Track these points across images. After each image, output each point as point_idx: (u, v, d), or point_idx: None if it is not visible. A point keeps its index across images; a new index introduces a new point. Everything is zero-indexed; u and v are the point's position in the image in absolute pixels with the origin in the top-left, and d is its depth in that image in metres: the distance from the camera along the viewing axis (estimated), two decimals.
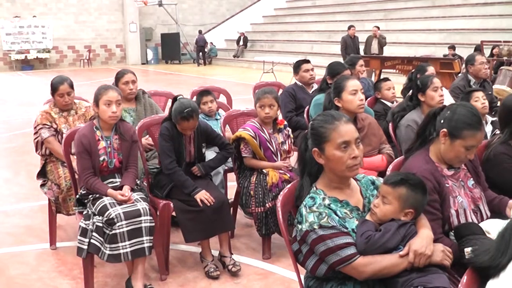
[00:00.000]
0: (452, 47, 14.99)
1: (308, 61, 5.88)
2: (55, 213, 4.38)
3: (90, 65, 28.16)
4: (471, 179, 2.74)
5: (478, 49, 13.25)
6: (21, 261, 4.28)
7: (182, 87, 14.75)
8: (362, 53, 15.88)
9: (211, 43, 28.26)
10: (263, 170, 4.14)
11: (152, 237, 3.55)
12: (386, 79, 5.50)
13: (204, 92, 5.18)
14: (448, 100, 4.76)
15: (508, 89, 8.49)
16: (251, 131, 4.17)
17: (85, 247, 3.48)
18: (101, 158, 3.68)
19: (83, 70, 26.01)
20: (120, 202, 3.53)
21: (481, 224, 2.54)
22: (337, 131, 2.29)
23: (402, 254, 2.23)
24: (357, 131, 2.36)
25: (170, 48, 29.30)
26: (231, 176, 4.76)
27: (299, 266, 2.44)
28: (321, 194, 2.33)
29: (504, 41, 13.16)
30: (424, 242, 2.26)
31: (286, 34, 26.40)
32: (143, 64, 29.03)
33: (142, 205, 3.55)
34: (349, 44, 16.07)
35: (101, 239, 3.46)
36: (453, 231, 2.55)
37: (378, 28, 16.35)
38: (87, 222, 3.52)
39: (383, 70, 12.24)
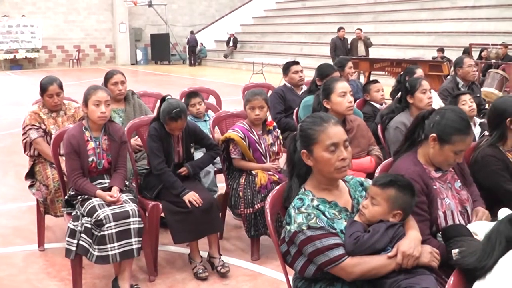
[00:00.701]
0: (441, 49, 15.08)
1: (297, 63, 5.89)
2: (44, 214, 4.35)
3: (79, 65, 27.98)
4: (458, 181, 2.75)
5: (467, 51, 13.33)
6: (8, 263, 4.25)
7: (172, 87, 14.68)
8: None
9: (201, 44, 28.19)
10: (252, 172, 4.15)
11: (140, 239, 3.55)
12: (375, 81, 5.55)
13: (192, 94, 5.12)
14: (437, 102, 4.79)
15: (496, 91, 8.56)
16: (241, 132, 4.17)
17: (74, 248, 3.46)
18: (90, 159, 3.66)
19: (72, 70, 25.88)
20: (109, 204, 3.52)
21: (469, 226, 2.56)
22: (326, 133, 2.30)
23: (390, 255, 2.25)
24: (346, 133, 2.38)
25: (159, 49, 29.15)
26: (220, 177, 4.75)
27: (287, 267, 2.45)
28: (309, 195, 2.34)
29: (493, 44, 13.25)
30: (412, 243, 2.27)
31: (276, 35, 26.38)
32: (132, 64, 28.87)
33: (131, 207, 3.54)
34: (339, 46, 16.15)
35: (90, 240, 3.45)
36: (440, 232, 2.57)
37: (361, 30, 16.46)
38: (75, 223, 3.50)
39: (372, 72, 12.27)
